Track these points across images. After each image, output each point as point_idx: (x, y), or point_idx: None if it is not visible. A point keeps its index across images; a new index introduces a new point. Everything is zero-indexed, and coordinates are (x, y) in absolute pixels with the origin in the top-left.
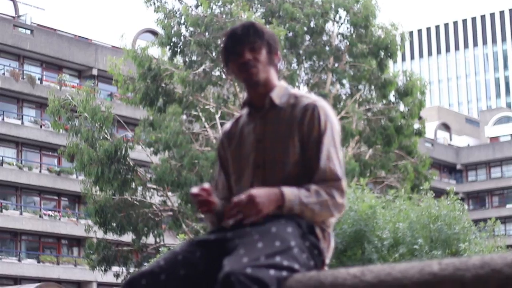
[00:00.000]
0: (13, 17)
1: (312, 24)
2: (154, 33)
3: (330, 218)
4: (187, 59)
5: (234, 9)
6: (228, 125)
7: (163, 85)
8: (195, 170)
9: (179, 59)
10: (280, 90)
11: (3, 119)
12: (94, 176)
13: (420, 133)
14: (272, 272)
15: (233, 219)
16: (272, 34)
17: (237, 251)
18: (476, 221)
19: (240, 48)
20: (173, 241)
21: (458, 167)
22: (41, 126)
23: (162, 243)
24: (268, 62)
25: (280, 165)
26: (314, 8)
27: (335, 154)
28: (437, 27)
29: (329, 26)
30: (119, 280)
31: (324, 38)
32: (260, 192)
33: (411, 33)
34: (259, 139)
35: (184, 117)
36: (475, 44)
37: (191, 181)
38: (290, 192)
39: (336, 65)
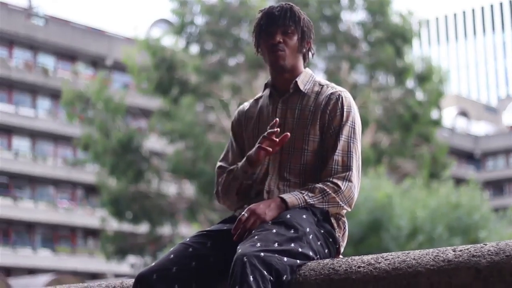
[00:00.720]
0: (25, 8)
1: (326, 12)
2: (169, 22)
3: (341, 211)
4: (201, 48)
5: None
6: (246, 104)
7: (177, 75)
8: (210, 160)
9: (193, 49)
10: (306, 77)
11: (17, 110)
12: (108, 166)
13: (437, 123)
14: (285, 259)
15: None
16: (308, 21)
17: (251, 237)
18: (495, 209)
19: (274, 29)
20: (188, 231)
21: (477, 155)
22: (55, 117)
23: (177, 233)
24: (298, 48)
25: (298, 152)
26: None
27: (353, 147)
28: (455, 15)
29: (345, 14)
30: (135, 271)
31: (341, 26)
32: (258, 205)
33: (428, 21)
34: (280, 123)
35: (200, 107)
36: (494, 30)
37: (206, 171)
38: (292, 197)
39: (353, 53)
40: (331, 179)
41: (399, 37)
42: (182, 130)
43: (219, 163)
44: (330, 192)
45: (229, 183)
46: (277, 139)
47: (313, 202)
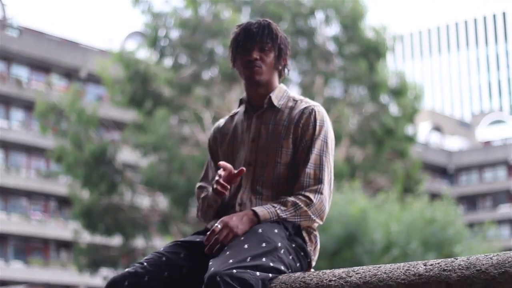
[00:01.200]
0: (0, 19)
1: (300, 25)
2: (143, 35)
3: (313, 224)
4: (175, 62)
5: (220, 11)
6: (222, 121)
7: (151, 87)
8: (184, 173)
9: (168, 62)
10: (280, 92)
11: None
12: (81, 178)
13: (412, 139)
14: (257, 273)
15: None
16: (285, 38)
17: (223, 252)
18: (468, 225)
19: (251, 45)
20: (161, 243)
21: (450, 170)
22: (28, 128)
23: (150, 245)
24: (274, 65)
25: (271, 165)
26: (299, 8)
27: (325, 160)
28: (429, 30)
29: (318, 28)
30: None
31: (315, 40)
32: (231, 217)
33: (402, 36)
34: (254, 138)
35: (174, 120)
36: (468, 46)
37: (179, 184)
38: (264, 210)
39: (326, 67)
40: (303, 192)
41: (373, 52)
42: (155, 143)
43: (198, 184)
44: (302, 205)
45: (206, 210)
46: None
47: (285, 216)
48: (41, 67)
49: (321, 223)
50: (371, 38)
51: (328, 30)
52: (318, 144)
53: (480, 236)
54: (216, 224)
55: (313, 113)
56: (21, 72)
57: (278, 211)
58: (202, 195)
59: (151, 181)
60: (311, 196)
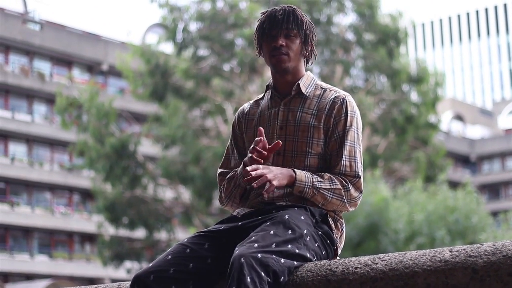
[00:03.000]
0: (21, 13)
1: (317, 15)
2: (164, 26)
3: (343, 210)
4: (194, 54)
5: (237, 2)
6: (246, 105)
7: (171, 80)
8: (200, 164)
9: (187, 54)
10: (307, 80)
11: (13, 115)
12: (103, 172)
13: (435, 126)
14: (282, 260)
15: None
16: (310, 24)
17: (249, 238)
18: (490, 213)
19: (276, 32)
20: (184, 236)
21: (472, 158)
22: (51, 122)
23: (173, 237)
24: (300, 51)
25: (301, 156)
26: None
27: (357, 152)
28: (450, 18)
29: (336, 17)
30: (131, 276)
31: (333, 30)
32: (273, 166)
33: (423, 25)
34: (282, 125)
35: (196, 112)
36: (489, 34)
37: (196, 175)
38: (302, 173)
39: (346, 56)
40: (341, 176)
41: (391, 39)
42: (172, 134)
43: (219, 170)
44: (338, 183)
45: (231, 190)
46: (267, 147)
47: (319, 186)
48: (63, 60)
49: (350, 209)
50: (388, 25)
51: (344, 19)
52: (351, 136)
53: (504, 224)
54: (260, 167)
55: (345, 103)
56: (43, 66)
57: (314, 180)
58: (229, 175)
59: (168, 173)
60: (349, 182)
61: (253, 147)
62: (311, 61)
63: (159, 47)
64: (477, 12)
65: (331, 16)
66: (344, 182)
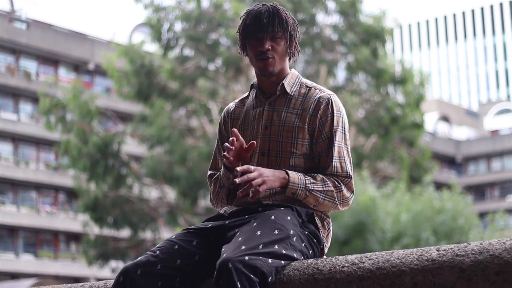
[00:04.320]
0: (8, 12)
1: (301, 15)
2: (151, 25)
3: (334, 210)
4: (179, 54)
5: (221, 1)
6: (231, 104)
7: (156, 80)
8: (186, 164)
9: (172, 54)
10: (292, 78)
11: None
12: (84, 170)
13: (420, 126)
14: (270, 260)
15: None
16: (293, 22)
17: (236, 239)
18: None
19: (262, 35)
20: (169, 235)
21: (458, 159)
22: (37, 121)
23: (158, 237)
24: (285, 52)
25: (286, 156)
26: None
27: (346, 152)
28: (436, 19)
29: (319, 17)
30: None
31: (316, 30)
32: (264, 168)
33: (409, 25)
34: (266, 125)
35: (182, 112)
36: (475, 35)
37: (181, 175)
38: (295, 175)
39: (330, 56)
40: (333, 177)
41: (374, 38)
42: (160, 135)
43: (209, 172)
44: (331, 185)
45: (218, 192)
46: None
47: (312, 188)
48: (49, 59)
49: (342, 209)
50: (371, 24)
51: (327, 19)
52: (338, 136)
53: (492, 226)
54: (252, 171)
55: (330, 103)
56: (29, 65)
57: (307, 181)
58: (214, 176)
59: (154, 172)
60: (341, 183)
61: (225, 145)
62: (294, 58)
63: (144, 47)
64: (463, 13)
65: (314, 16)
66: (336, 183)
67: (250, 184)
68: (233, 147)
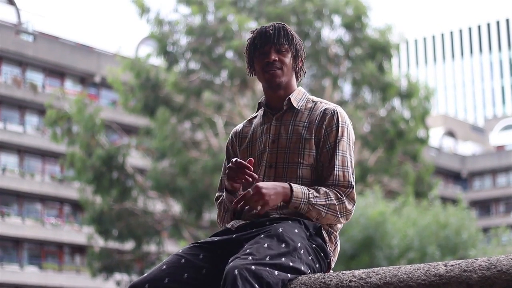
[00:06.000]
0: (15, 24)
1: (306, 30)
2: (157, 39)
3: (337, 223)
4: (184, 68)
5: (226, 15)
6: (240, 125)
7: (162, 94)
8: (191, 177)
9: (178, 68)
10: (299, 94)
11: (5, 126)
12: (89, 183)
13: (424, 141)
14: (276, 273)
15: (241, 209)
16: (300, 40)
17: (243, 251)
18: (482, 229)
19: (268, 48)
20: (174, 248)
21: (464, 174)
22: (43, 133)
23: (163, 250)
24: (292, 66)
25: (293, 166)
26: (306, 12)
27: (349, 162)
28: (443, 35)
29: (325, 32)
30: None
31: (322, 44)
32: (267, 184)
33: (416, 41)
34: (274, 139)
35: (187, 125)
36: (481, 51)
37: (185, 187)
38: (298, 189)
39: (335, 70)
40: (335, 189)
41: (380, 52)
42: (165, 147)
43: (216, 194)
44: (333, 198)
45: (223, 215)
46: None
47: (315, 202)
48: (55, 72)
49: (344, 222)
50: (377, 39)
51: (332, 33)
52: (342, 146)
53: (494, 241)
54: (249, 190)
55: (336, 115)
56: (35, 77)
57: (310, 195)
58: (219, 200)
59: (158, 185)
60: (343, 195)
61: (228, 169)
62: (300, 78)
63: (150, 60)
64: (469, 29)
65: (319, 30)
66: (338, 195)
67: (246, 201)
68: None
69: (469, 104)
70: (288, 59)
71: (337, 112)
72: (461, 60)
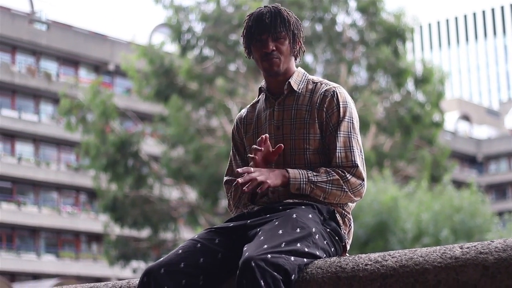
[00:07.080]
0: (28, 13)
1: (321, 14)
2: (171, 26)
3: (347, 200)
4: (199, 54)
5: (242, 2)
6: (244, 111)
7: (176, 81)
8: (205, 163)
9: (192, 55)
10: (298, 76)
11: (20, 115)
12: (103, 170)
13: (439, 124)
14: (292, 258)
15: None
16: (296, 21)
17: (258, 238)
18: (497, 213)
19: (266, 37)
20: (190, 235)
21: (479, 158)
22: (58, 122)
23: (179, 237)
24: (290, 51)
25: (300, 153)
26: None
27: (354, 141)
28: (456, 18)
29: (340, 17)
30: (138, 275)
31: (336, 28)
32: (265, 168)
33: (429, 25)
34: (278, 126)
35: (201, 112)
36: (495, 34)
37: (200, 175)
38: (295, 171)
39: (350, 55)
40: (339, 169)
41: (395, 37)
42: (179, 134)
43: (225, 178)
44: (335, 175)
45: (239, 198)
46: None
47: (315, 180)
48: (69, 60)
49: (355, 199)
50: (392, 23)
51: (347, 19)
52: (344, 126)
53: (510, 224)
54: (250, 168)
55: (335, 95)
56: (50, 66)
57: (309, 174)
58: (234, 183)
59: (174, 172)
60: (346, 172)
61: (251, 149)
62: (299, 58)
63: (164, 47)
64: (483, 12)
65: (334, 15)
66: (341, 173)
67: (254, 179)
68: (262, 148)
69: (484, 87)
70: (285, 46)
71: (336, 93)
72: (475, 44)
